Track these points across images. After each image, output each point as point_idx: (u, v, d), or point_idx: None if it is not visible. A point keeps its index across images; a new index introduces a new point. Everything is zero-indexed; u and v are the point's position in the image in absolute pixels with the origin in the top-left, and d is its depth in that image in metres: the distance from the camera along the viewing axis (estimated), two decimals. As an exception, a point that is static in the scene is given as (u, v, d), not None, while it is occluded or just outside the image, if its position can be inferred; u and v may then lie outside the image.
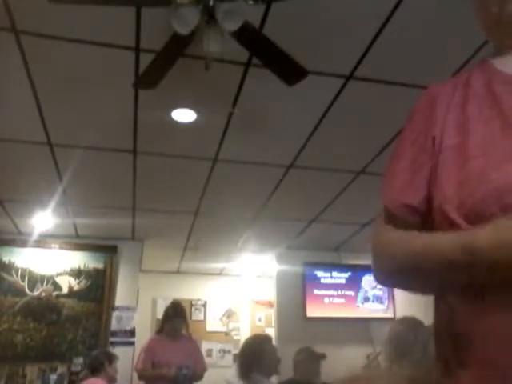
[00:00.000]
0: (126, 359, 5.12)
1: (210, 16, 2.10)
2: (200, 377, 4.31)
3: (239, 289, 7.63)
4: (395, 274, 0.81)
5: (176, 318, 4.32)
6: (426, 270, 0.74)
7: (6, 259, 5.37)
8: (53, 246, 5.54)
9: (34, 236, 5.38)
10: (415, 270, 0.75)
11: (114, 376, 4.00)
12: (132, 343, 5.40)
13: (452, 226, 0.73)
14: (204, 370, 4.38)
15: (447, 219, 0.75)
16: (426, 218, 0.82)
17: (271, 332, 6.21)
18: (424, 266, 0.73)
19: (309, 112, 3.27)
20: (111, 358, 4.04)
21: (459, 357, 0.71)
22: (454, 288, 0.73)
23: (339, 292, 6.07)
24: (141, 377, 4.27)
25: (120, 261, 5.71)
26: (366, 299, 6.13)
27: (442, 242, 0.71)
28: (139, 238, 5.82)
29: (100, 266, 5.59)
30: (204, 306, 7.48)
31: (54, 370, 5.06)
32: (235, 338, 7.41)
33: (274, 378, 3.31)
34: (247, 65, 2.78)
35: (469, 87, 0.84)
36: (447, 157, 0.78)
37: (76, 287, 5.45)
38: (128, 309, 5.55)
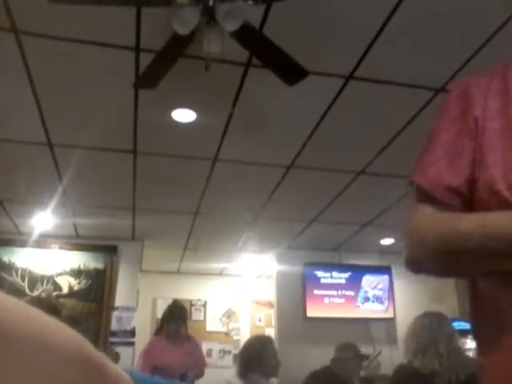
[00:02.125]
0: (126, 359, 5.12)
1: (210, 16, 2.10)
2: (201, 373, 4.31)
3: (239, 289, 7.63)
4: (441, 256, 0.77)
5: (177, 319, 4.26)
6: (485, 250, 0.71)
7: (5, 259, 5.37)
8: (53, 246, 5.54)
9: (34, 236, 5.38)
10: (471, 251, 0.73)
11: None
12: (132, 343, 5.40)
13: (501, 206, 0.72)
14: (204, 366, 4.37)
15: (497, 200, 0.74)
16: (466, 201, 0.80)
17: (271, 332, 6.21)
18: (489, 245, 0.70)
19: (309, 112, 3.27)
20: (114, 358, 4.02)
21: (501, 338, 0.72)
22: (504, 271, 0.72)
23: (339, 292, 6.07)
24: None
25: (120, 261, 5.71)
26: (366, 299, 6.13)
27: (503, 220, 0.69)
28: (139, 238, 5.82)
29: (100, 266, 5.59)
30: (204, 306, 7.48)
31: (54, 370, 5.06)
32: (235, 338, 7.42)
33: (274, 380, 3.30)
34: (247, 65, 2.78)
35: (508, 75, 0.84)
36: (492, 139, 0.78)
37: (76, 287, 5.45)
38: (128, 309, 5.55)
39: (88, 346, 0.38)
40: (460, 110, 0.85)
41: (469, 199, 0.80)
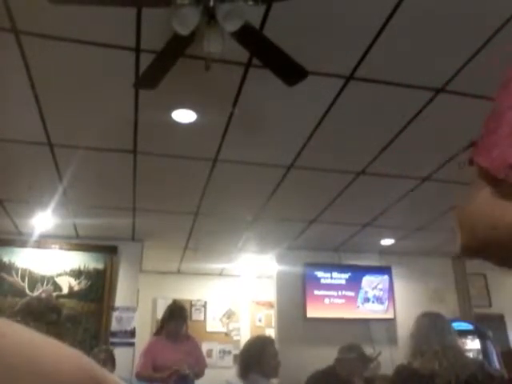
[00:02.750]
0: (126, 359, 5.12)
1: (210, 16, 2.10)
2: (201, 373, 4.31)
3: (239, 289, 7.63)
4: (489, 249, 0.74)
5: (178, 319, 4.28)
6: None
7: (6, 259, 5.37)
8: (53, 246, 5.54)
9: (34, 236, 5.38)
10: None
11: None
12: (132, 344, 5.40)
13: None
14: (205, 366, 4.38)
15: None
16: None
17: (271, 332, 6.21)
18: None
19: (309, 112, 3.27)
20: (112, 357, 4.02)
21: None
22: None
23: (339, 292, 6.07)
24: (140, 379, 4.22)
25: (120, 261, 5.71)
26: (366, 300, 6.13)
27: None
28: (139, 238, 5.82)
29: (100, 266, 5.59)
30: (204, 306, 7.49)
31: (54, 370, 5.06)
32: (235, 338, 7.42)
33: (274, 381, 3.30)
34: (247, 65, 2.79)
35: None
36: None
37: (76, 287, 5.45)
38: (128, 309, 5.55)
39: (87, 364, 0.38)
40: None
41: None
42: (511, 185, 0.73)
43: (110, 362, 3.93)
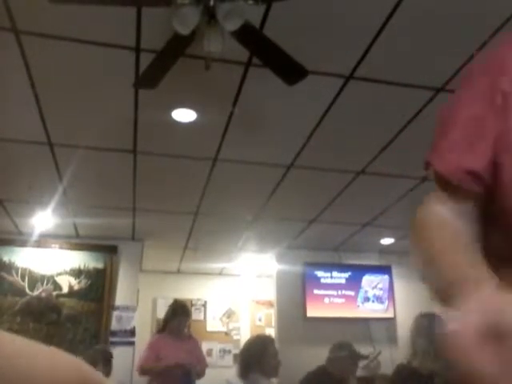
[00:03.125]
0: (126, 359, 5.12)
1: (210, 16, 2.10)
2: (203, 373, 4.33)
3: (239, 289, 7.63)
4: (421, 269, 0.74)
5: (181, 316, 4.34)
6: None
7: (6, 259, 5.37)
8: (53, 245, 5.54)
9: (34, 236, 5.38)
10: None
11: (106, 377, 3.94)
12: (132, 343, 5.40)
13: None
14: (206, 366, 4.41)
15: None
16: (487, 186, 0.71)
17: (271, 332, 6.21)
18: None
19: (309, 112, 3.27)
20: (107, 358, 4.00)
21: None
22: None
23: (339, 292, 6.07)
24: (144, 372, 4.22)
25: (120, 261, 5.71)
26: (366, 299, 6.13)
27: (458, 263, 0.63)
28: (139, 238, 5.82)
29: (100, 265, 5.59)
30: (204, 305, 7.48)
31: (54, 369, 5.05)
32: (235, 337, 7.42)
33: (274, 380, 3.30)
34: (247, 65, 2.79)
35: None
36: None
37: (76, 287, 5.45)
38: (128, 308, 5.55)
39: (83, 369, 0.38)
40: (486, 82, 0.74)
41: (490, 185, 0.71)
42: (466, 191, 0.71)
43: (103, 362, 3.90)
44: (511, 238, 0.71)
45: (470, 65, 0.78)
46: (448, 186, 0.73)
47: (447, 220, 0.72)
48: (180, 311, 4.35)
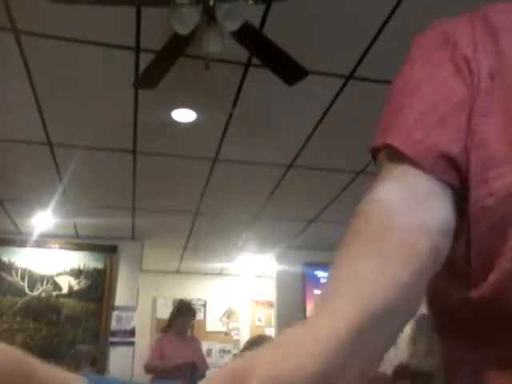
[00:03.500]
0: (126, 359, 5.12)
1: (210, 16, 2.10)
2: (205, 375, 4.37)
3: (239, 289, 7.63)
4: None
5: (186, 314, 4.39)
6: None
7: (5, 259, 5.37)
8: (53, 246, 5.54)
9: (34, 236, 5.38)
10: None
11: None
12: (132, 343, 5.40)
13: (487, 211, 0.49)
14: (207, 368, 4.45)
15: (491, 195, 0.49)
16: (463, 178, 0.52)
17: (271, 332, 6.21)
18: None
19: (309, 112, 3.27)
20: (92, 358, 3.96)
21: None
22: None
23: (339, 292, 6.06)
24: (150, 370, 4.22)
25: (120, 261, 5.71)
26: (366, 299, 6.13)
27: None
28: (139, 237, 5.82)
29: (100, 265, 5.59)
30: (204, 305, 7.48)
31: (53, 369, 5.05)
32: (235, 337, 7.42)
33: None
34: (247, 65, 2.79)
35: (490, 23, 0.60)
36: (486, 103, 0.53)
37: (76, 287, 5.45)
38: (128, 309, 5.55)
39: (15, 357, 0.37)
40: (446, 52, 0.60)
41: (465, 181, 0.52)
42: (439, 180, 0.51)
43: (87, 362, 3.85)
44: (477, 257, 0.50)
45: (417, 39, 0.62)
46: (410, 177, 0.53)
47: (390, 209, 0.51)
48: (185, 310, 4.41)
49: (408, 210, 0.50)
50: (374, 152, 0.60)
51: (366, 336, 0.40)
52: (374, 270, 0.44)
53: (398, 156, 0.53)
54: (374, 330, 0.41)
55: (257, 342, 3.17)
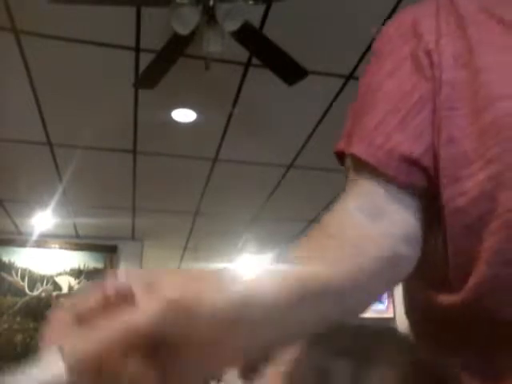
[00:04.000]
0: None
1: (210, 16, 2.10)
2: None
3: (239, 289, 7.62)
4: None
5: None
6: None
7: (5, 259, 5.37)
8: (53, 245, 5.53)
9: (34, 236, 5.37)
10: None
11: None
12: (132, 343, 5.40)
13: (458, 212, 0.48)
14: None
15: (462, 194, 0.47)
16: (432, 180, 0.51)
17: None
18: None
19: (309, 112, 3.27)
20: None
21: None
22: None
23: (339, 292, 6.06)
24: None
25: (120, 261, 5.71)
26: (366, 299, 6.12)
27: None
28: (139, 237, 5.82)
29: (100, 265, 5.59)
30: (204, 305, 7.48)
31: (53, 369, 5.05)
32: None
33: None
34: (247, 65, 2.79)
35: (457, 11, 0.57)
36: (451, 95, 0.51)
37: (76, 287, 5.45)
38: (128, 309, 5.54)
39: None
40: (408, 46, 0.57)
41: (435, 179, 0.51)
42: (403, 183, 0.50)
43: None
44: (453, 260, 0.49)
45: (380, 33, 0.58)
46: (379, 177, 0.52)
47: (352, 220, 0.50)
48: None
49: (368, 221, 0.49)
50: (339, 155, 0.59)
51: (291, 306, 0.40)
52: (320, 258, 0.46)
53: (361, 164, 0.53)
54: (301, 305, 0.41)
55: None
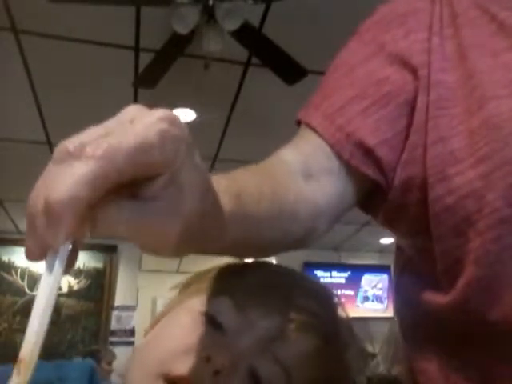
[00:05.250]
0: (125, 358, 5.12)
1: (209, 15, 2.10)
2: None
3: (239, 288, 7.63)
4: None
5: None
6: None
7: (5, 259, 5.37)
8: (52, 245, 5.53)
9: (34, 236, 5.37)
10: None
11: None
12: (132, 343, 5.40)
13: (447, 209, 0.47)
14: None
15: (453, 192, 0.47)
16: (387, 177, 0.52)
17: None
18: None
19: (308, 111, 3.27)
20: (110, 357, 4.00)
21: None
22: None
23: (339, 291, 6.06)
24: None
25: (120, 260, 5.72)
26: (366, 299, 6.13)
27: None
28: (139, 237, 5.82)
29: (100, 265, 5.59)
30: (204, 305, 7.49)
31: (53, 369, 5.06)
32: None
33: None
34: (247, 64, 2.79)
35: (452, 4, 0.56)
36: (441, 94, 0.51)
37: (75, 287, 5.45)
38: (128, 308, 5.55)
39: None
40: (390, 35, 0.56)
41: (392, 177, 0.51)
42: (353, 168, 0.51)
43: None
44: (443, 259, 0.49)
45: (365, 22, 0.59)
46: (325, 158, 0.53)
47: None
48: None
49: (298, 178, 0.52)
50: (298, 123, 0.60)
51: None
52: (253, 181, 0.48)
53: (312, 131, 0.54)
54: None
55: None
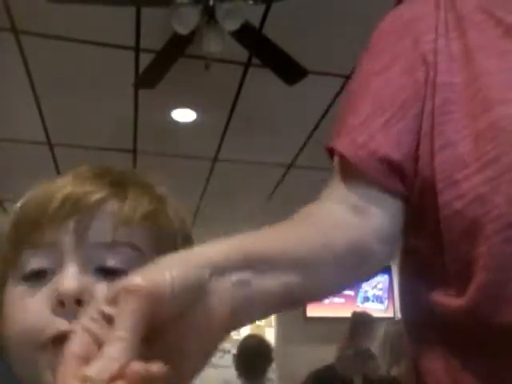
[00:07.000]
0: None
1: (209, 16, 2.10)
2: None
3: (239, 289, 7.63)
4: None
5: None
6: None
7: (5, 259, 5.37)
8: (53, 245, 5.53)
9: (34, 236, 5.37)
10: None
11: None
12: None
13: (456, 214, 0.47)
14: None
15: (459, 196, 0.47)
16: (410, 186, 0.52)
17: (271, 332, 6.21)
18: None
19: (309, 112, 3.27)
20: None
21: None
22: None
23: (339, 292, 6.06)
24: None
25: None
26: (366, 299, 6.13)
27: None
28: (139, 237, 5.82)
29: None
30: (204, 305, 7.48)
31: (53, 369, 5.06)
32: (235, 337, 7.39)
33: (271, 374, 3.31)
34: (247, 65, 2.79)
35: (457, 8, 0.56)
36: (447, 99, 0.50)
37: (76, 287, 5.45)
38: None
39: None
40: (401, 44, 0.57)
41: (413, 186, 0.52)
42: (382, 185, 0.51)
43: None
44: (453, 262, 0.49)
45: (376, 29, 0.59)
46: (359, 177, 0.54)
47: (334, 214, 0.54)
48: None
49: (344, 217, 0.52)
50: (331, 152, 0.61)
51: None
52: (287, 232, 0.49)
53: (344, 161, 0.55)
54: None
55: (252, 341, 3.18)
